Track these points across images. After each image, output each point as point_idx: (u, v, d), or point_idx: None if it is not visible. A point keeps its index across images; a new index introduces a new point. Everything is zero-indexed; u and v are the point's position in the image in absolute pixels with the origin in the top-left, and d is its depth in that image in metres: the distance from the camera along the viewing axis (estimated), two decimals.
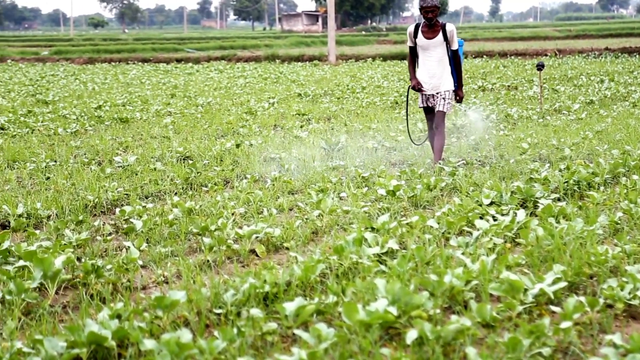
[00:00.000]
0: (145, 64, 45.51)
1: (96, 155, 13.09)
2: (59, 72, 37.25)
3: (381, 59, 43.63)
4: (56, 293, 6.32)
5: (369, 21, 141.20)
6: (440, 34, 11.10)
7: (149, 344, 4.81)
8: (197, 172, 11.11)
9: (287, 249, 7.56)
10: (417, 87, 11.43)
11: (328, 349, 4.93)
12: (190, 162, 12.03)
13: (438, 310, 5.51)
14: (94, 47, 60.36)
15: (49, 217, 8.95)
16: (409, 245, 7.15)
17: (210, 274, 6.57)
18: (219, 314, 5.70)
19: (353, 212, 8.61)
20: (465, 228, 7.82)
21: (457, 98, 11.52)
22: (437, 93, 11.26)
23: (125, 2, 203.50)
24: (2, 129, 16.38)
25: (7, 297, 5.86)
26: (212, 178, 10.87)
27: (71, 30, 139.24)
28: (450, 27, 11.12)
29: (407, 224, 7.83)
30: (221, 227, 7.73)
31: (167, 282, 6.62)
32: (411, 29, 11.41)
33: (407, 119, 12.62)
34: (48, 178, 11.07)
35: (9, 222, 8.70)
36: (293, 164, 11.56)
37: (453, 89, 11.35)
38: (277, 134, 15.09)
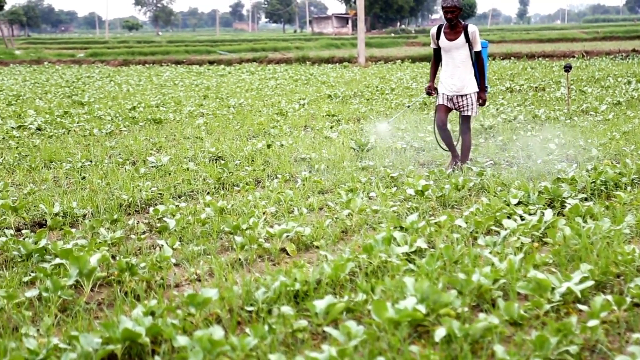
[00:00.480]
0: (179, 65, 45.65)
1: (130, 155, 13.14)
2: (94, 73, 37.43)
3: (410, 60, 43.56)
4: (91, 290, 6.35)
5: (398, 23, 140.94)
6: (462, 36, 10.83)
7: (182, 340, 4.82)
8: (229, 172, 11.14)
9: (317, 247, 7.56)
10: (428, 91, 11.41)
11: (358, 346, 4.93)
12: (222, 162, 12.05)
13: (466, 309, 5.49)
14: (129, 49, 60.62)
15: (84, 216, 8.99)
16: (438, 244, 7.14)
17: (241, 272, 6.58)
18: (250, 312, 5.71)
19: (382, 212, 8.59)
20: (493, 227, 7.80)
21: (480, 101, 11.15)
22: (461, 96, 11.01)
23: (159, 5, 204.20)
24: (39, 129, 16.48)
25: (44, 294, 5.90)
26: (243, 178, 10.89)
27: (106, 32, 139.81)
28: (472, 29, 10.80)
29: (436, 223, 7.82)
30: (252, 226, 7.74)
31: (199, 280, 6.64)
32: (434, 30, 11.15)
33: (434, 126, 12.04)
34: (84, 178, 11.13)
35: (46, 221, 8.75)
36: (323, 164, 11.57)
37: (477, 91, 11.06)
38: (307, 135, 15.10)
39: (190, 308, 5.46)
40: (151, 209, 8.87)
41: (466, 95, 10.99)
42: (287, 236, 7.58)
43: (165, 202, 9.25)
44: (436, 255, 6.43)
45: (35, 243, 7.17)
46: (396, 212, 8.72)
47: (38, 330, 5.44)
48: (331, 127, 16.15)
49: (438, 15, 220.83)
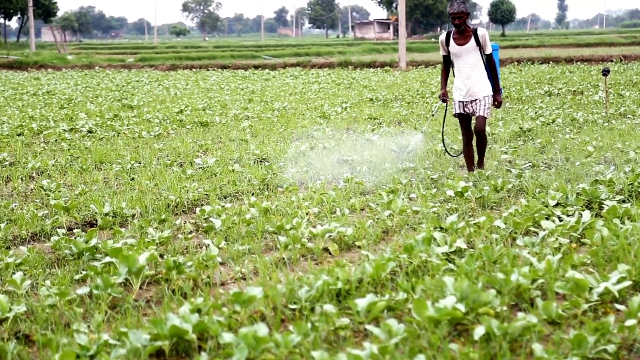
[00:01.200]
0: (225, 70, 45.80)
1: (178, 157, 13.21)
2: (143, 78, 37.67)
3: None
4: (140, 288, 6.39)
5: (439, 28, 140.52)
6: (472, 40, 10.49)
7: (227, 337, 4.84)
8: (273, 174, 11.16)
9: (359, 247, 7.55)
10: (443, 98, 11.17)
11: (398, 343, 4.92)
12: (267, 164, 12.09)
13: (505, 308, 5.46)
14: (176, 54, 60.96)
15: (133, 215, 9.05)
16: (477, 244, 7.11)
17: (285, 271, 6.59)
18: (293, 309, 5.71)
19: (422, 213, 8.57)
20: (532, 228, 7.75)
21: (496, 103, 10.84)
22: (475, 100, 10.68)
23: (206, 11, 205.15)
24: (90, 132, 16.60)
25: (95, 291, 5.94)
26: (287, 179, 10.91)
27: (155, 38, 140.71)
28: (481, 32, 10.49)
29: (475, 224, 7.78)
30: (296, 226, 7.76)
31: (244, 279, 6.66)
32: (442, 37, 10.82)
33: (442, 131, 12.01)
34: (133, 179, 11.21)
35: (97, 221, 8.82)
36: (365, 166, 11.56)
37: (491, 93, 10.74)
38: (349, 137, 15.08)
39: (235, 306, 5.48)
40: (198, 209, 8.92)
41: (480, 99, 10.67)
42: (330, 236, 7.59)
43: (212, 202, 9.29)
44: (475, 255, 6.41)
45: (86, 242, 7.22)
46: (436, 213, 8.70)
47: (89, 326, 5.48)
48: (373, 130, 16.13)
49: (478, 20, 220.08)
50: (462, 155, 11.52)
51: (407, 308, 5.60)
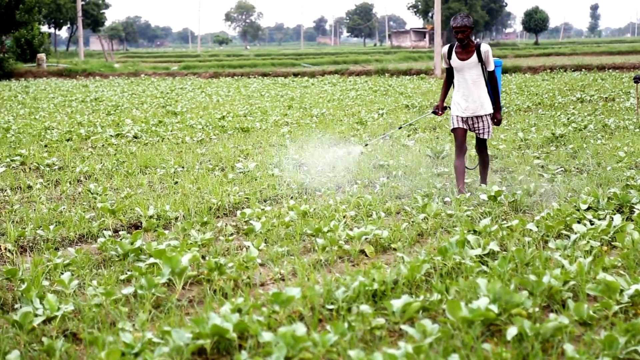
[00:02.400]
0: (265, 77, 45.90)
1: (219, 161, 13.25)
2: (186, 85, 37.84)
3: None
4: (183, 288, 6.42)
5: (473, 37, 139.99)
6: (475, 55, 9.83)
7: (267, 336, 4.84)
8: (312, 178, 11.17)
9: (395, 249, 7.54)
10: (435, 110, 10.58)
11: (432, 343, 4.91)
12: (305, 168, 12.10)
13: (537, 309, 5.44)
14: (219, 62, 61.21)
15: (176, 218, 9.09)
16: (510, 247, 7.08)
17: (323, 272, 6.59)
18: (331, 310, 5.72)
19: (456, 216, 8.54)
20: (564, 232, 7.70)
21: (495, 121, 10.13)
22: (477, 117, 9.99)
23: (247, 21, 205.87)
24: (136, 137, 16.70)
25: (139, 291, 5.98)
26: (325, 183, 10.91)
27: (198, 47, 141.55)
28: (485, 48, 9.83)
29: (508, 227, 7.75)
30: (333, 229, 7.75)
31: (283, 280, 6.67)
32: (445, 49, 10.14)
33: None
34: (176, 182, 11.26)
35: (141, 223, 8.87)
36: (400, 171, 11.54)
37: (491, 111, 10.04)
38: (385, 143, 15.06)
39: (274, 306, 5.49)
40: (238, 212, 8.94)
41: (481, 117, 10.00)
42: (366, 238, 7.58)
43: (252, 205, 9.31)
44: (508, 257, 6.38)
45: (131, 243, 7.26)
46: (470, 217, 8.66)
47: (133, 325, 5.51)
48: (408, 136, 16.10)
49: (512, 29, 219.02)
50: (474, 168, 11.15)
51: (441, 309, 5.58)
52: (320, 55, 77.70)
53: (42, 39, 60.19)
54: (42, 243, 8.02)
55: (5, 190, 10.93)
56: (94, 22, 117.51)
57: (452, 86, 10.34)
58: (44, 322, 5.60)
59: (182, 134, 16.90)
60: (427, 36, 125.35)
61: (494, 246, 6.94)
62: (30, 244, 8.03)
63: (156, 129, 17.86)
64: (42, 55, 55.53)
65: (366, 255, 7.42)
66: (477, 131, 10.11)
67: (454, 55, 9.98)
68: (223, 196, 9.96)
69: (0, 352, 4.99)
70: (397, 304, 5.41)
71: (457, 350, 4.85)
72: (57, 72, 52.10)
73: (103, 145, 15.53)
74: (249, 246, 7.24)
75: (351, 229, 8.04)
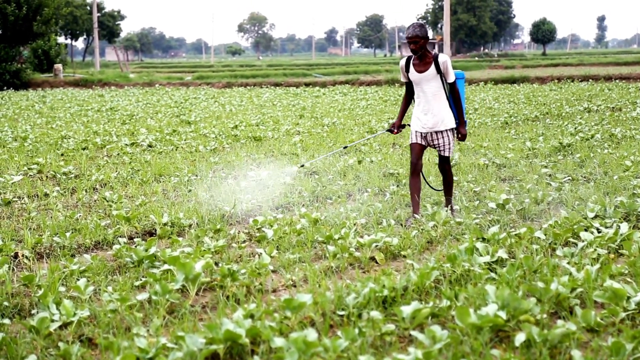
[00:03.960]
0: (277, 87, 45.90)
1: (232, 170, 13.26)
2: (200, 95, 37.90)
3: (493, 82, 43.11)
4: (196, 294, 6.42)
5: (482, 48, 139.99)
6: (433, 66, 9.14)
7: (278, 341, 4.84)
8: (323, 186, 11.18)
9: (404, 256, 7.54)
10: (391, 129, 9.82)
11: (442, 349, 4.91)
12: (316, 176, 12.10)
13: (545, 315, 5.42)
14: (232, 72, 61.21)
15: (190, 225, 9.10)
16: (518, 254, 7.06)
17: (334, 279, 6.59)
18: (341, 316, 5.71)
19: (465, 224, 8.53)
20: (571, 239, 7.68)
21: (459, 136, 9.52)
22: (437, 133, 9.34)
23: (260, 32, 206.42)
24: (150, 146, 16.74)
25: (154, 297, 5.98)
26: (336, 191, 10.91)
27: (212, 57, 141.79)
28: (442, 58, 9.13)
29: (516, 235, 7.73)
30: (344, 236, 7.75)
31: (295, 286, 6.66)
32: (402, 62, 9.41)
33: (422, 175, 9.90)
34: (190, 190, 11.27)
35: (156, 230, 8.89)
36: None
37: (454, 126, 9.41)
38: (395, 152, 15.06)
39: (286, 312, 5.49)
40: (251, 219, 8.95)
41: (442, 132, 9.34)
42: (376, 246, 7.58)
43: (264, 213, 9.31)
44: (516, 264, 6.37)
45: (146, 250, 7.27)
46: (478, 224, 8.66)
47: (148, 330, 5.52)
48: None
49: (520, 40, 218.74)
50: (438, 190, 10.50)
51: (450, 315, 5.58)
52: (332, 65, 77.75)
53: (59, 49, 60.37)
54: (58, 250, 8.04)
55: (23, 198, 10.96)
56: (109, 33, 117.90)
57: (412, 102, 9.75)
58: (60, 327, 5.61)
59: (196, 143, 16.92)
60: (436, 47, 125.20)
61: (502, 254, 6.92)
62: (47, 251, 8.05)
63: (170, 138, 17.90)
64: (58, 66, 55.72)
65: (376, 262, 7.42)
66: (437, 148, 9.46)
67: (411, 68, 9.31)
68: (236, 204, 9.97)
69: (18, 357, 5.01)
70: (407, 310, 5.40)
71: (466, 356, 4.85)
72: (73, 82, 52.24)
73: (118, 154, 15.57)
74: (261, 253, 7.24)
75: (362, 237, 8.04)
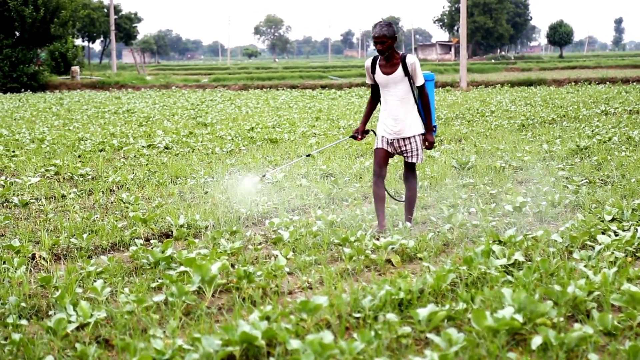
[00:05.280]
0: (293, 90, 45.92)
1: (248, 172, 13.28)
2: (216, 97, 37.94)
3: (509, 85, 43.02)
4: (212, 296, 6.43)
5: (498, 50, 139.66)
6: (400, 68, 8.54)
7: (294, 343, 4.84)
8: (339, 188, 11.17)
9: (420, 259, 7.53)
10: (354, 135, 9.14)
11: (458, 352, 4.90)
12: (333, 179, 12.10)
13: (562, 319, 5.41)
14: (248, 74, 61.28)
15: (206, 227, 9.12)
16: (534, 257, 7.05)
17: (349, 281, 6.58)
18: (357, 318, 5.71)
19: (482, 226, 8.52)
20: (588, 242, 7.67)
21: (427, 144, 8.84)
22: (404, 139, 8.69)
23: (276, 34, 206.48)
24: (167, 148, 16.78)
25: (170, 298, 5.99)
26: (352, 193, 10.91)
27: (228, 59, 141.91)
28: (411, 59, 8.52)
29: (533, 237, 7.71)
30: (360, 239, 7.75)
31: (311, 288, 6.66)
32: (368, 63, 8.85)
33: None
34: (206, 192, 11.29)
35: (172, 232, 8.90)
36: (426, 181, 11.53)
37: (422, 132, 8.75)
38: None
39: (302, 314, 5.49)
40: (267, 221, 8.96)
41: (409, 138, 8.70)
42: (392, 248, 7.57)
43: (280, 215, 9.31)
44: (533, 267, 6.35)
45: (162, 252, 7.29)
46: (495, 227, 8.64)
47: (164, 332, 5.53)
48: (434, 147, 16.07)
49: (537, 42, 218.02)
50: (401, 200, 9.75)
51: (466, 318, 5.57)
52: (348, 67, 77.64)
53: (76, 52, 60.61)
54: (75, 251, 8.07)
55: (40, 200, 11.01)
56: (126, 35, 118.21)
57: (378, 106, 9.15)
58: (77, 328, 5.63)
59: (212, 145, 16.95)
60: (452, 49, 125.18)
61: (518, 256, 6.91)
62: (64, 252, 8.08)
63: (187, 140, 17.94)
64: (76, 68, 55.96)
65: (392, 265, 7.41)
66: (404, 154, 8.81)
67: (377, 69, 8.72)
68: (252, 206, 9.98)
69: (35, 358, 5.03)
70: (423, 312, 5.39)
71: (482, 359, 4.84)
72: (90, 84, 52.42)
73: (135, 156, 15.62)
74: (277, 255, 7.25)
75: (377, 239, 8.03)
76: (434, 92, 8.98)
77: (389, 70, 8.62)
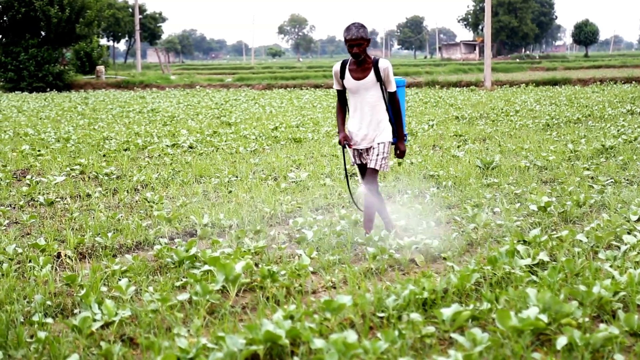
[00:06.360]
0: (317, 89, 45.88)
1: (272, 171, 13.29)
2: (240, 97, 37.99)
3: (534, 84, 42.84)
4: (236, 295, 6.44)
5: (523, 49, 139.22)
6: (372, 73, 7.94)
7: (318, 343, 4.84)
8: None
9: (445, 259, 7.51)
10: (343, 142, 8.25)
11: (482, 352, 4.88)
12: (357, 178, 12.08)
13: (587, 319, 5.38)
14: (272, 74, 61.33)
15: (230, 226, 9.13)
16: (559, 257, 7.02)
17: (373, 281, 6.58)
18: (381, 317, 5.70)
19: (506, 226, 8.48)
20: (614, 242, 7.62)
21: (398, 152, 8.39)
22: (372, 147, 8.15)
23: (300, 33, 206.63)
24: (191, 147, 16.82)
25: (194, 297, 6.01)
26: None
27: (252, 59, 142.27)
28: (384, 64, 7.93)
29: (558, 237, 7.68)
30: (384, 238, 7.74)
31: (334, 287, 6.66)
32: (337, 67, 8.20)
33: (346, 178, 9.09)
34: (230, 192, 11.31)
35: (196, 231, 8.93)
36: (450, 181, 11.49)
37: (391, 140, 8.20)
38: (435, 153, 15.01)
39: (326, 313, 5.49)
40: (291, 221, 8.96)
41: (375, 145, 8.12)
42: (416, 248, 7.55)
43: (304, 214, 9.32)
44: (558, 267, 6.32)
45: (187, 251, 7.31)
46: (519, 227, 8.60)
47: (188, 330, 5.54)
48: (458, 147, 16.03)
49: (562, 42, 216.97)
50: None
51: (491, 318, 5.55)
52: None
53: (101, 51, 60.97)
54: (100, 250, 8.11)
55: (65, 199, 11.07)
56: (151, 35, 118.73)
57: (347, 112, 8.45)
58: (102, 327, 5.66)
59: (236, 144, 16.98)
60: (477, 48, 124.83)
61: (543, 256, 6.88)
62: (89, 251, 8.12)
63: (211, 139, 17.97)
64: (101, 68, 56.23)
65: (416, 264, 7.40)
66: (368, 161, 8.22)
67: (347, 74, 8.09)
68: (276, 205, 9.99)
69: (61, 356, 5.05)
70: (447, 312, 5.38)
71: (507, 359, 4.82)
72: (115, 83, 52.64)
73: (159, 155, 15.67)
74: (301, 254, 7.25)
75: (401, 238, 8.01)
76: (405, 99, 8.47)
77: (360, 75, 8.02)
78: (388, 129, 8.14)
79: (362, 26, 7.88)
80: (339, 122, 8.40)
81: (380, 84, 8.01)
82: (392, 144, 8.27)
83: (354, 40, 7.81)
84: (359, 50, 7.84)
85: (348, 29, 7.86)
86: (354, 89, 8.05)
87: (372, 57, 8.01)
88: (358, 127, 8.13)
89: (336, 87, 8.30)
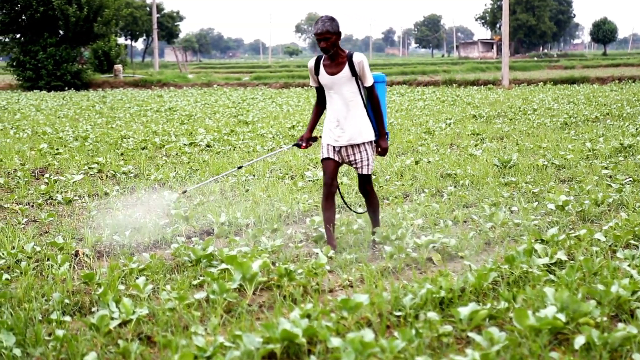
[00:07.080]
0: None
1: (289, 170, 13.30)
2: (258, 95, 38.04)
3: (552, 83, 42.71)
4: (253, 293, 6.45)
5: (541, 48, 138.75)
6: (347, 68, 7.64)
7: (335, 341, 4.84)
8: (380, 186, 11.15)
9: (462, 257, 7.50)
10: (299, 142, 8.36)
11: (500, 351, 4.87)
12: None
13: (605, 318, 5.36)
14: (289, 73, 61.31)
15: (247, 225, 9.15)
16: (577, 256, 6.99)
17: (390, 279, 6.57)
18: (398, 316, 5.70)
19: (523, 225, 8.46)
20: (632, 242, 7.59)
21: (379, 150, 8.02)
22: (352, 147, 7.84)
23: None
24: (209, 146, 16.84)
25: (211, 296, 6.02)
26: (393, 192, 10.88)
27: (269, 58, 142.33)
28: (358, 58, 7.62)
29: (575, 236, 7.65)
30: (401, 237, 7.73)
31: (351, 286, 6.66)
32: (311, 63, 7.93)
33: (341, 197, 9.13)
34: (247, 190, 11.32)
35: (213, 230, 8.94)
36: (467, 180, 11.47)
37: (373, 139, 7.91)
38: (453, 152, 14.98)
39: (343, 312, 5.48)
40: (308, 219, 8.96)
41: (358, 146, 7.84)
42: (434, 246, 7.55)
43: (321, 213, 9.31)
44: (576, 266, 6.30)
45: (204, 250, 7.32)
46: (537, 226, 8.58)
47: (206, 329, 5.55)
48: (475, 145, 16.00)
49: (580, 40, 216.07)
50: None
51: (508, 317, 5.53)
52: (389, 65, 77.55)
53: (119, 50, 61.13)
54: (118, 248, 8.13)
55: (83, 197, 11.11)
56: (168, 34, 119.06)
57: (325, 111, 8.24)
58: (119, 325, 5.67)
59: (253, 143, 17.00)
60: (494, 47, 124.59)
61: (561, 255, 6.86)
62: (107, 249, 8.14)
63: (228, 138, 18.00)
64: (118, 66, 56.36)
65: (433, 263, 7.39)
66: (354, 165, 7.96)
67: (321, 69, 7.82)
68: (293, 204, 10.00)
69: (79, 354, 5.07)
70: (464, 311, 5.37)
71: (525, 359, 4.80)
72: (133, 82, 52.79)
73: (177, 154, 15.70)
74: (318, 253, 7.25)
75: (419, 237, 8.00)
76: (385, 95, 8.17)
77: (333, 70, 7.73)
78: (368, 126, 7.87)
79: (331, 19, 7.59)
80: (310, 120, 8.28)
81: (356, 79, 7.72)
82: (374, 142, 7.99)
83: (320, 35, 7.55)
84: (326, 44, 7.56)
85: (315, 22, 7.60)
86: (329, 84, 7.79)
87: (347, 51, 7.74)
88: (335, 123, 7.87)
89: (312, 84, 8.07)
